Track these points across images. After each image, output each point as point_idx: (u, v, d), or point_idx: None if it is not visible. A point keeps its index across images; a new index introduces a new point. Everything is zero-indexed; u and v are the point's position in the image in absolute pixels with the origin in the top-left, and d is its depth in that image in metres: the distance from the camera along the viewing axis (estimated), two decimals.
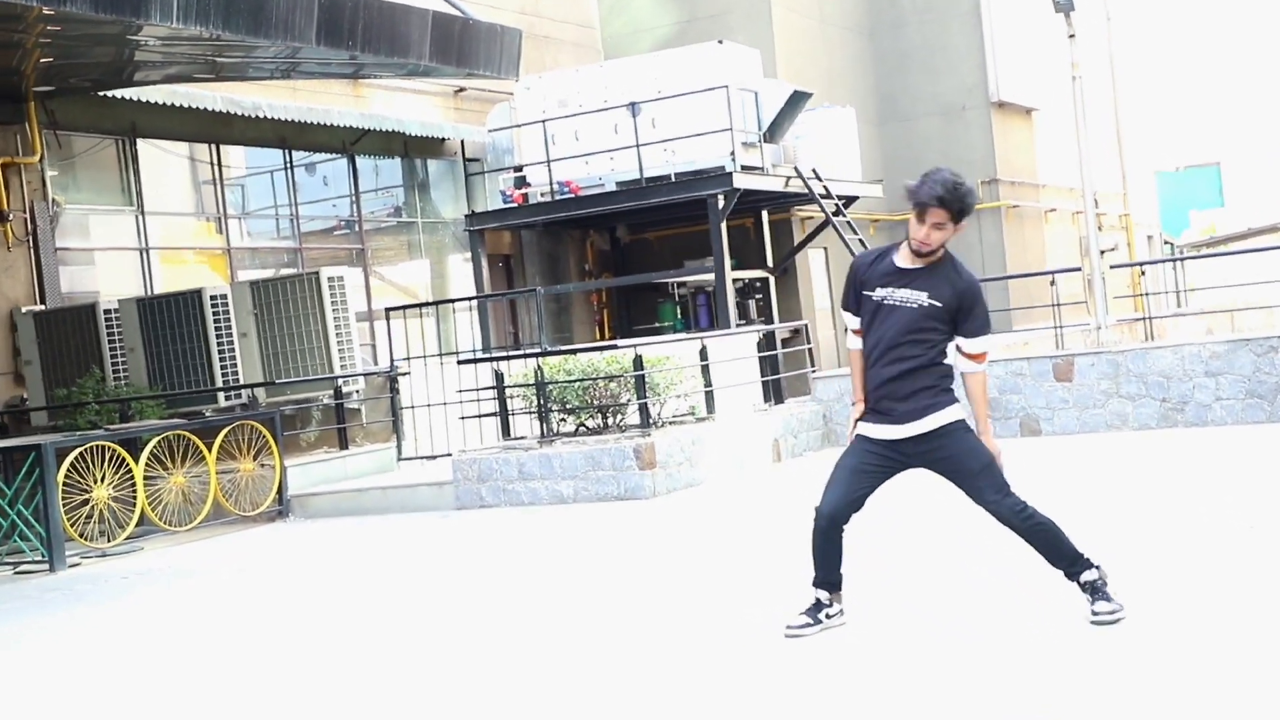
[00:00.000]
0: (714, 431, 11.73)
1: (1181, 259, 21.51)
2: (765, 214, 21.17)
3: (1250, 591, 5.81)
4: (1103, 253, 27.34)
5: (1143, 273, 14.56)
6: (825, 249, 22.68)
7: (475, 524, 10.72)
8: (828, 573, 5.88)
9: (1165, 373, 11.69)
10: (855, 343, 5.84)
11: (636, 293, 22.02)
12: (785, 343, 19.65)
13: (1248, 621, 5.31)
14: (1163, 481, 9.34)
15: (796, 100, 19.12)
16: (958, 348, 5.70)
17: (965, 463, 5.60)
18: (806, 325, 15.32)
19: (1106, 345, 12.36)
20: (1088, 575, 5.57)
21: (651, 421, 11.43)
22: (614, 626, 6.47)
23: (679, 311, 22.03)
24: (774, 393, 13.64)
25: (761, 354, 13.70)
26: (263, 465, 12.00)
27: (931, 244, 5.52)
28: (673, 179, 18.65)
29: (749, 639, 5.88)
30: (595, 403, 11.61)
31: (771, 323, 20.57)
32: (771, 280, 21.05)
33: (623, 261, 22.51)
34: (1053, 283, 13.99)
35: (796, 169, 19.60)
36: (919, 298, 5.58)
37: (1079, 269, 12.85)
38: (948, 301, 5.59)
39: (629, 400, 11.58)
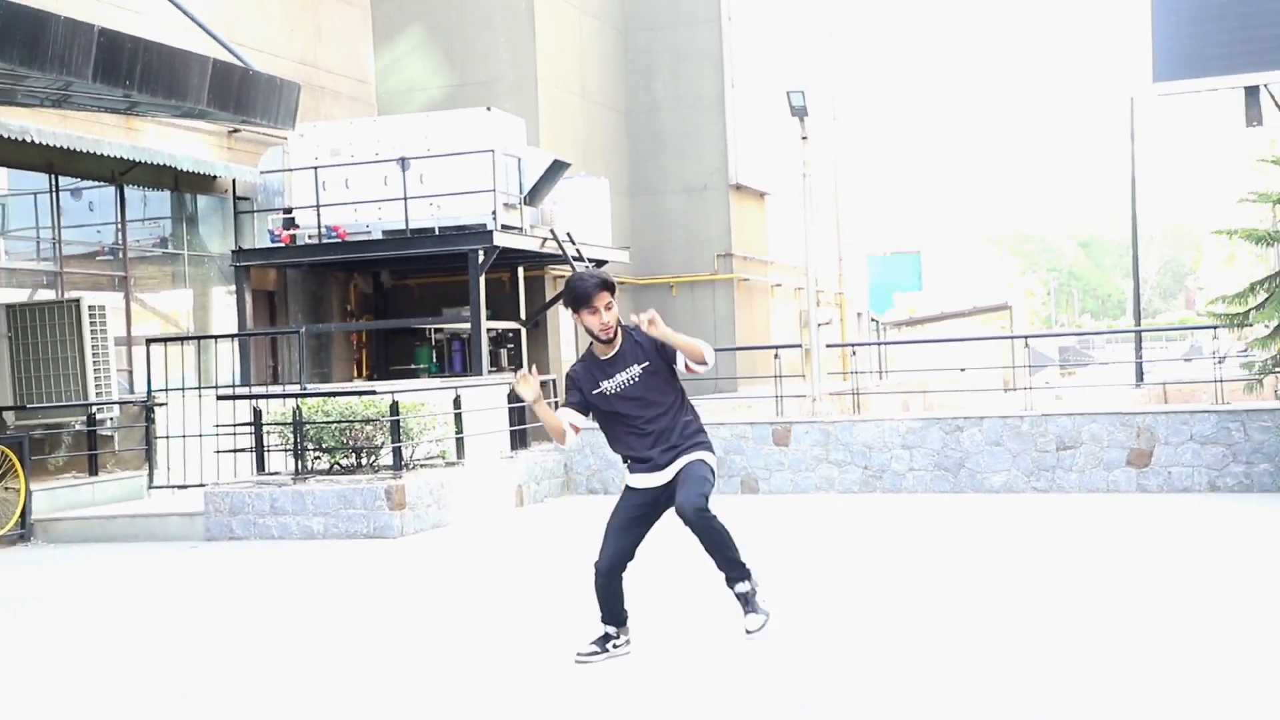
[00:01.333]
0: (462, 476, 11.62)
1: (887, 343, 22.64)
2: (521, 270, 21.23)
3: (921, 644, 6.13)
4: (820, 325, 28.50)
5: (853, 352, 15.27)
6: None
7: (225, 556, 10.28)
8: (613, 614, 6.14)
9: (868, 443, 12.27)
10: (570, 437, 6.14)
11: (395, 335, 21.70)
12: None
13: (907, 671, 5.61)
14: (862, 540, 9.77)
15: (556, 169, 19.31)
16: (685, 367, 5.99)
17: (685, 470, 5.94)
18: (555, 380, 15.37)
19: (820, 415, 12.88)
20: (741, 586, 6.04)
21: (404, 464, 11.23)
22: (381, 659, 6.30)
23: (435, 355, 21.81)
24: (519, 440, 13.63)
25: (511, 404, 13.68)
26: (6, 488, 11.20)
27: (611, 324, 5.87)
28: (437, 232, 18.50)
29: (528, 666, 5.84)
30: (351, 444, 11.34)
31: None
32: (523, 332, 21.10)
33: (384, 305, 22.16)
34: (776, 355, 14.50)
35: (553, 231, 19.75)
36: (633, 373, 5.80)
37: (799, 345, 13.35)
38: (652, 357, 5.92)
39: (384, 443, 11.36)
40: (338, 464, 11.54)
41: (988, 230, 71.76)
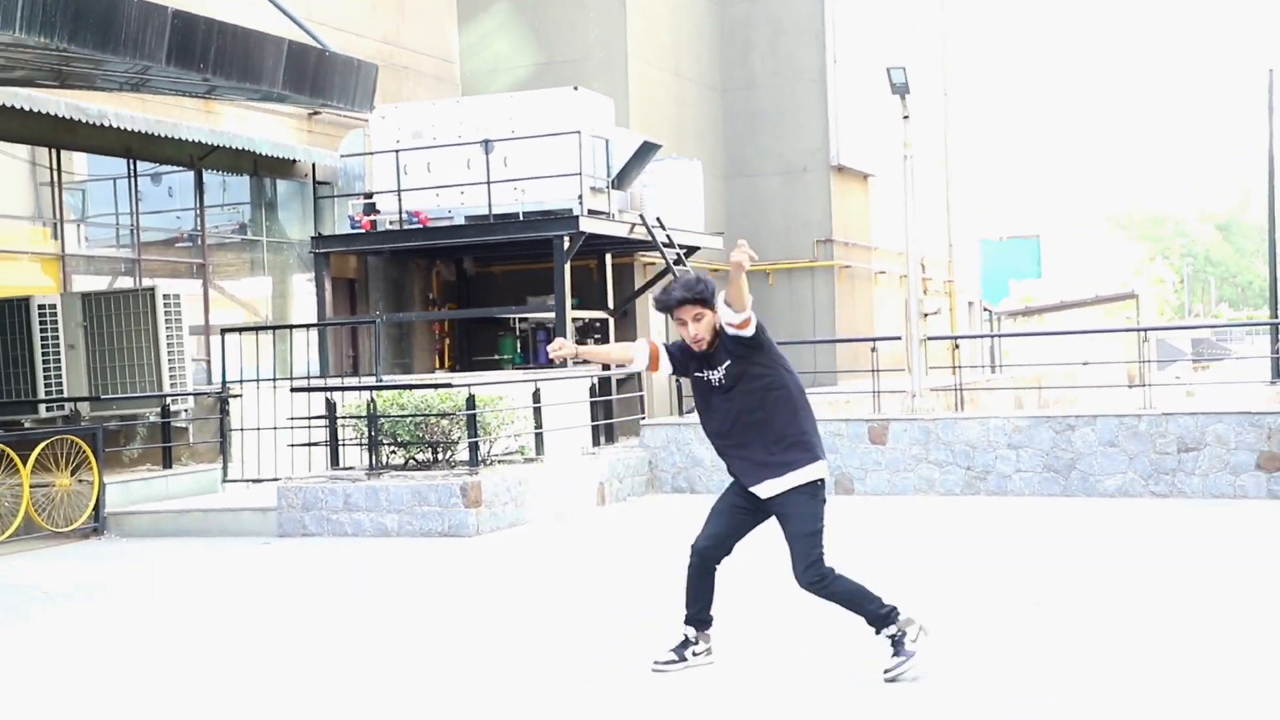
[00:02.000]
0: (541, 473, 11.72)
1: (993, 335, 22.21)
2: (609, 257, 21.30)
3: (1031, 665, 6.04)
4: (927, 315, 28.30)
5: (956, 345, 15.03)
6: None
7: (297, 553, 10.51)
8: (699, 610, 6.09)
9: (971, 442, 12.11)
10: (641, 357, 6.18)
11: (478, 324, 21.95)
12: (620, 385, 19.82)
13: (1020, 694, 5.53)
14: (964, 548, 9.65)
15: (646, 150, 19.33)
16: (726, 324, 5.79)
17: (790, 525, 5.84)
18: (640, 372, 15.42)
19: (920, 412, 12.75)
20: (887, 631, 5.84)
21: (480, 460, 11.37)
22: (458, 665, 6.41)
23: (519, 346, 22.03)
24: (604, 435, 13.71)
25: (594, 398, 13.75)
26: (80, 480, 11.58)
27: (701, 335, 5.80)
28: (521, 218, 18.66)
29: (608, 675, 5.89)
30: (427, 438, 11.51)
31: (608, 364, 20.71)
32: (611, 321, 21.18)
33: (467, 293, 22.41)
34: (873, 348, 14.37)
35: (642, 216, 19.78)
36: (723, 369, 5.83)
37: (897, 337, 13.21)
38: (734, 351, 5.79)
39: (460, 438, 11.50)
40: (413, 459, 11.71)
41: (1113, 212, 70.14)
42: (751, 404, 5.79)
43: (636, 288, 21.94)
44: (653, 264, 22.35)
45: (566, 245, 18.35)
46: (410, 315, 20.89)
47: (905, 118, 13.00)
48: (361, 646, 7.06)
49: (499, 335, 21.93)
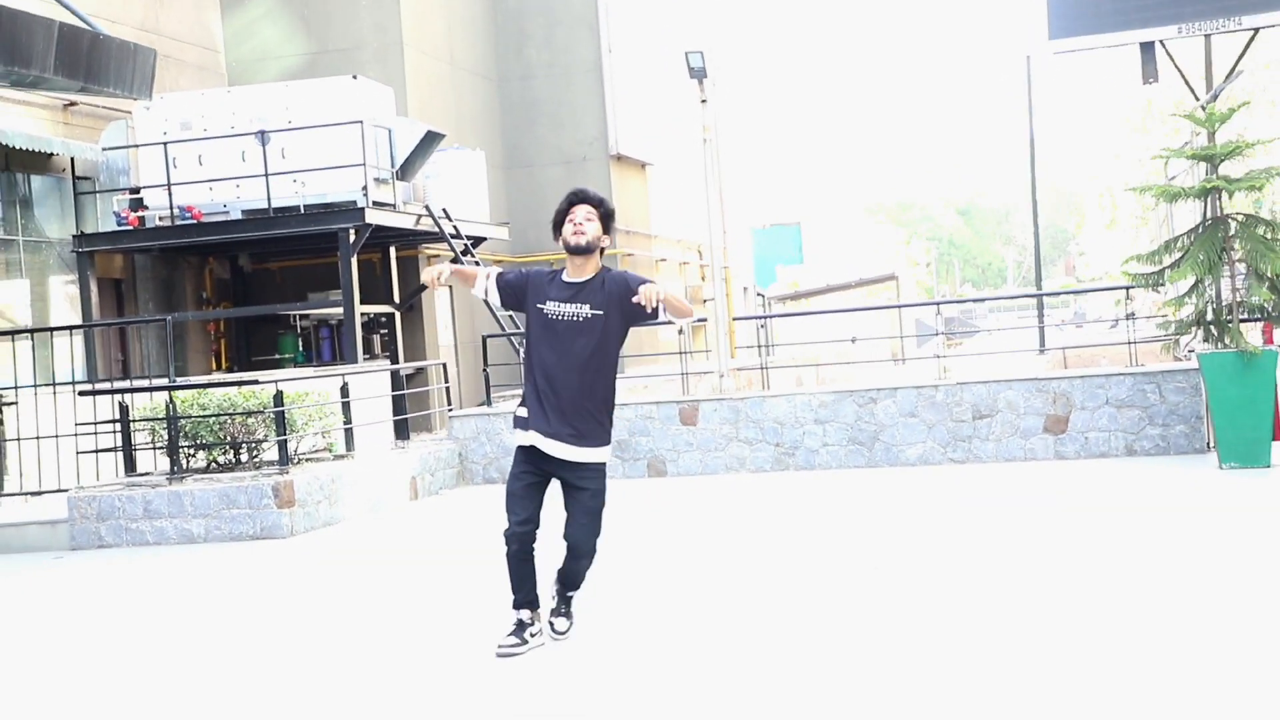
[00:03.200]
0: (353, 469, 11.40)
1: (793, 315, 22.78)
2: (394, 250, 20.89)
3: (882, 625, 6.22)
4: (706, 301, 28.76)
5: (763, 325, 15.33)
6: (450, 288, 22.66)
7: (98, 565, 9.89)
8: (526, 593, 6.12)
9: (779, 419, 12.38)
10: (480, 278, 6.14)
11: (256, 324, 21.19)
12: (410, 380, 19.47)
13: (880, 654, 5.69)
14: (775, 520, 9.86)
15: (430, 140, 19.04)
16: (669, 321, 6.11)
17: (580, 500, 6.01)
18: (445, 365, 15.16)
19: (728, 392, 12.96)
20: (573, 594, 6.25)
21: (290, 459, 10.97)
22: (301, 669, 6.13)
23: (301, 344, 21.38)
24: (403, 430, 13.43)
25: (397, 392, 13.47)
26: None
27: (584, 230, 5.85)
28: (302, 210, 18.11)
29: (459, 664, 5.73)
30: (231, 439, 11.03)
31: (396, 359, 20.34)
32: (397, 316, 20.77)
33: (244, 291, 21.60)
34: (680, 331, 14.52)
35: (427, 207, 19.49)
36: (583, 311, 5.80)
37: (704, 320, 13.39)
38: (611, 307, 5.88)
39: (266, 436, 11.08)
40: (215, 461, 11.22)
41: (867, 200, 73.16)
42: (596, 363, 5.83)
43: (422, 280, 21.57)
44: (438, 256, 22.04)
45: (352, 238, 17.90)
46: (195, 314, 20.03)
47: (704, 102, 13.21)
48: (193, 656, 6.70)
49: (279, 334, 21.23)
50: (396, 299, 20.92)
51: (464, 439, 13.26)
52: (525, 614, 6.08)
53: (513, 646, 5.99)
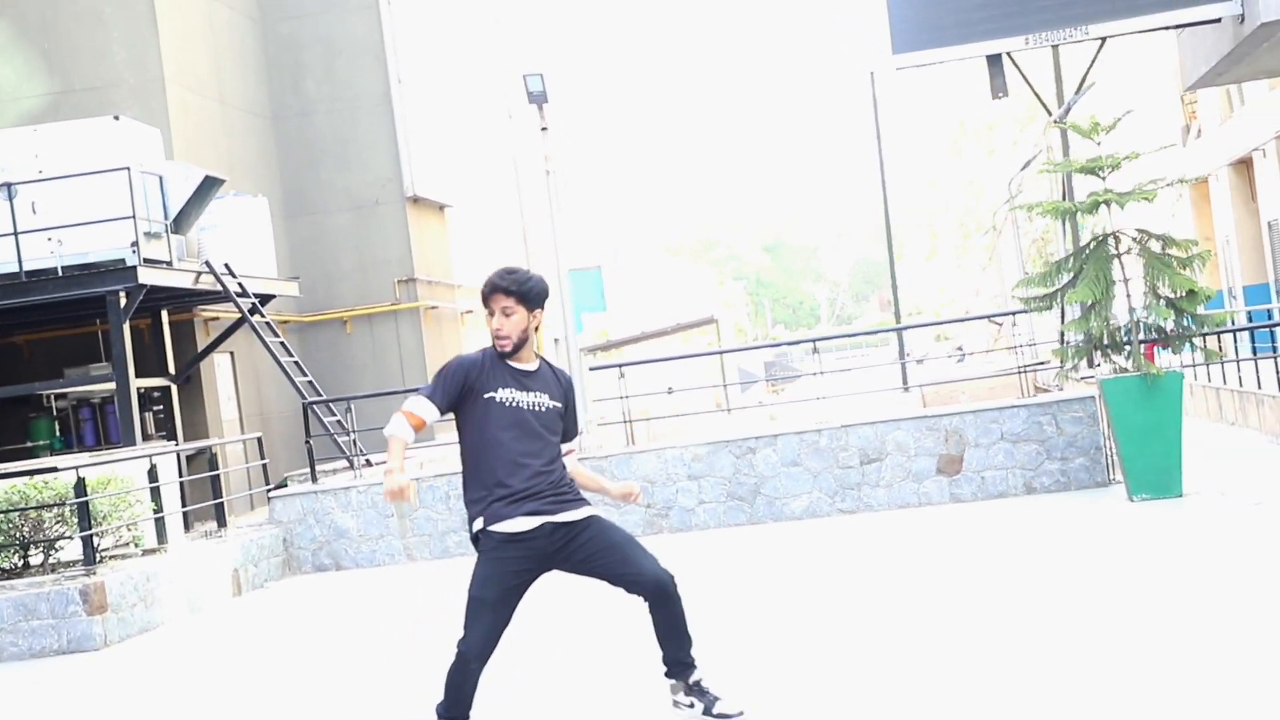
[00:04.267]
0: (169, 565, 10.90)
1: (654, 360, 22.78)
2: (165, 314, 20.18)
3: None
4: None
5: (621, 374, 15.28)
6: (232, 353, 22.02)
7: None
8: (462, 711, 5.79)
9: (650, 477, 12.40)
10: (406, 432, 5.76)
11: (1, 407, 20.15)
12: (190, 461, 18.78)
13: None
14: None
15: (208, 186, 18.54)
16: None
17: (612, 535, 5.79)
18: (260, 438, 14.63)
19: (589, 451, 12.92)
20: (697, 674, 5.86)
21: (96, 557, 10.44)
22: None
23: (57, 428, 20.43)
24: (222, 516, 12.96)
25: (204, 474, 12.99)
26: None
27: (506, 332, 5.75)
28: (60, 273, 17.36)
29: None
30: (21, 539, 10.43)
31: (174, 439, 19.62)
32: (174, 389, 20.04)
33: None
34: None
35: (208, 263, 18.93)
36: (545, 403, 5.74)
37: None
38: (563, 400, 5.92)
39: (66, 533, 10.52)
40: (6, 565, 10.58)
41: (667, 239, 74.35)
42: (553, 452, 5.78)
43: (200, 348, 20.91)
44: (216, 319, 21.41)
45: (123, 302, 17.23)
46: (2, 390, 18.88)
47: (544, 129, 13.22)
48: None
49: (30, 417, 20.24)
50: (171, 370, 20.19)
51: (288, 522, 12.85)
52: None
53: None
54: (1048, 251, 38.80)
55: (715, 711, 5.82)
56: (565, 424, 5.93)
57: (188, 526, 13.24)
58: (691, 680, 5.87)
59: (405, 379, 23.85)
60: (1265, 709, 5.24)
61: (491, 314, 5.78)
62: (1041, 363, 15.65)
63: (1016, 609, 7.64)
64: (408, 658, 8.40)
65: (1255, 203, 24.93)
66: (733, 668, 6.64)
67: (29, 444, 19.84)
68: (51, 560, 10.79)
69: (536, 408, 5.72)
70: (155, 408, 20.22)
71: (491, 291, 5.79)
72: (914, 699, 6.04)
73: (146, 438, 19.76)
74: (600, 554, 5.77)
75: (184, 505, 13.50)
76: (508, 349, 5.74)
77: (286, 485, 14.28)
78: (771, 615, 8.19)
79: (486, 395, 5.69)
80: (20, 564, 10.77)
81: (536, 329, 5.86)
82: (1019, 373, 12.51)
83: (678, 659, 5.87)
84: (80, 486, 10.22)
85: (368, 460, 16.68)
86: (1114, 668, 6.08)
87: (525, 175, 31.41)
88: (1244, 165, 24.91)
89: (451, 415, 5.85)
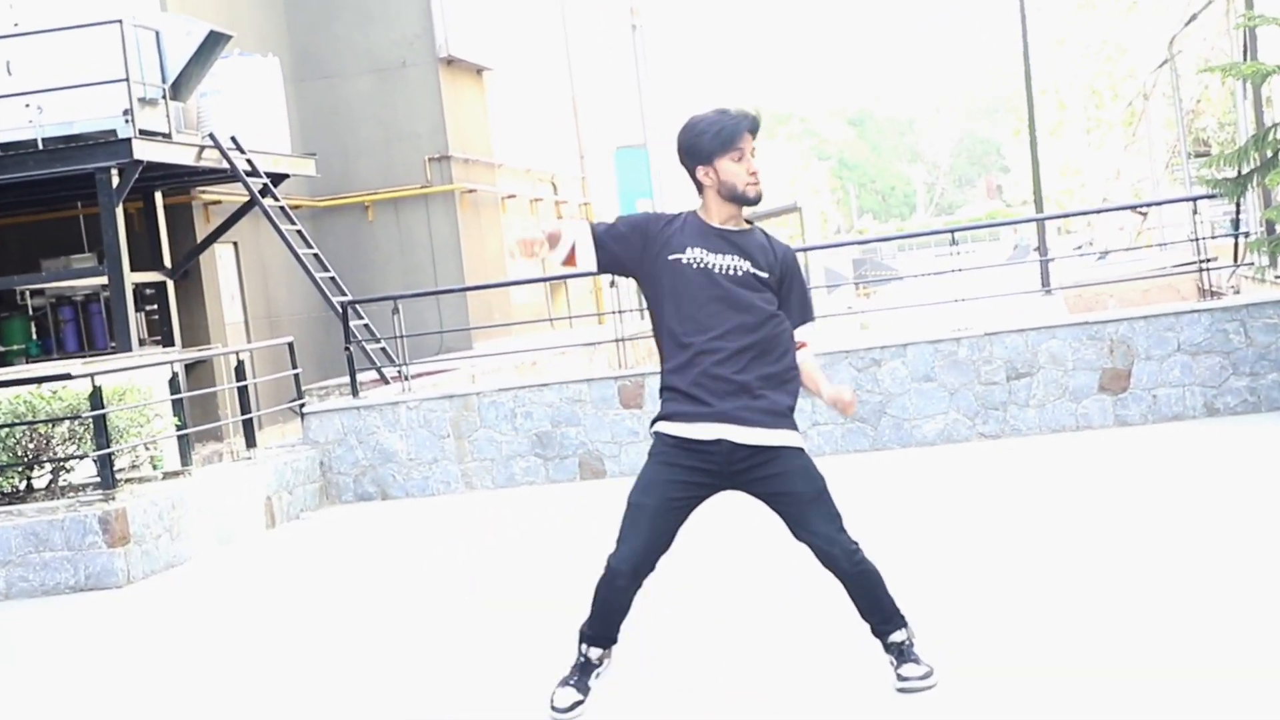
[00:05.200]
0: (195, 491, 11.12)
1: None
2: (159, 196, 20.37)
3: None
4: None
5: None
6: (236, 244, 22.22)
7: None
8: (608, 629, 5.98)
9: None
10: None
11: None
12: (190, 371, 19.03)
13: None
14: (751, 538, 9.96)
15: (212, 43, 18.63)
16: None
17: (797, 482, 5.81)
18: (292, 343, 14.79)
19: None
20: (897, 636, 5.95)
21: (114, 480, 10.69)
22: None
23: (34, 330, 20.73)
24: (252, 435, 13.21)
25: (241, 382, 13.21)
26: None
27: (757, 180, 5.82)
28: (40, 145, 17.55)
29: None
30: (31, 457, 10.68)
31: (170, 343, 19.88)
32: (170, 285, 20.27)
33: None
34: (613, 284, 14.42)
35: (212, 136, 19.08)
36: (742, 265, 5.78)
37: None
38: (776, 271, 5.86)
39: (75, 451, 10.76)
40: (8, 489, 10.85)
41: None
42: (758, 318, 5.76)
43: (199, 238, 21.10)
44: (218, 202, 21.58)
45: (115, 181, 17.42)
46: None
47: None
48: None
49: (1, 318, 20.56)
50: (168, 261, 20.40)
51: (325, 443, 13.05)
52: (595, 651, 6.03)
53: (571, 707, 5.98)
54: (1197, 127, 38.42)
55: (899, 674, 5.94)
56: (786, 304, 5.85)
57: (253, 441, 13.42)
58: (890, 641, 5.98)
59: (437, 277, 24.02)
60: None
61: (742, 155, 5.72)
62: (1209, 259, 15.57)
63: (1199, 554, 7.70)
64: (461, 602, 8.60)
65: None
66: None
67: (1, 349, 20.17)
68: (62, 483, 11.03)
69: (726, 270, 5.75)
70: (148, 307, 20.48)
71: (748, 129, 5.73)
72: (1058, 657, 6.15)
73: (139, 342, 20.05)
74: (779, 499, 5.84)
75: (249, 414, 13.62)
76: (761, 194, 5.83)
77: (304, 403, 14.45)
78: (900, 559, 8.27)
79: (671, 256, 5.77)
80: (25, 487, 11.01)
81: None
82: (1187, 271, 12.41)
83: (874, 628, 6.00)
84: (97, 397, 10.42)
85: (399, 373, 16.82)
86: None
87: (570, 46, 31.36)
88: None
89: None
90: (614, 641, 6.04)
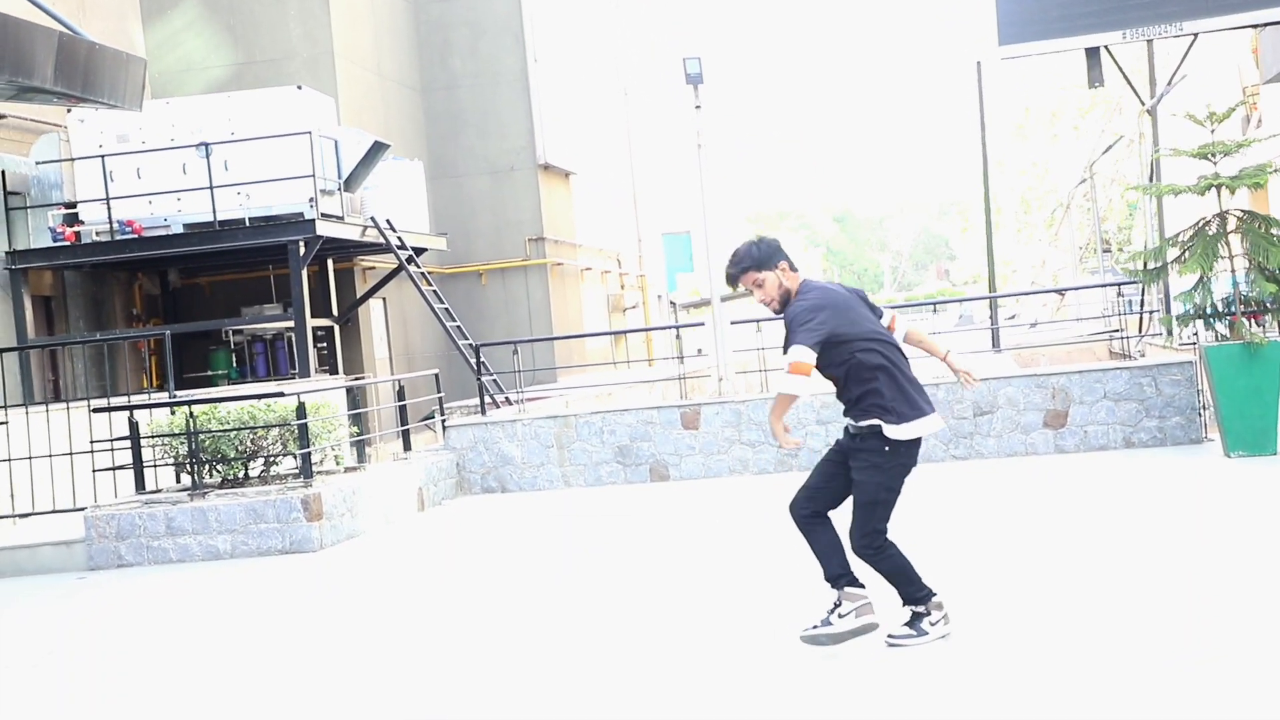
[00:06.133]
0: (369, 481, 11.35)
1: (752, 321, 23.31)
2: (331, 263, 20.70)
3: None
4: (624, 311, 28.96)
5: (758, 328, 15.53)
6: (384, 299, 22.52)
7: (127, 584, 9.68)
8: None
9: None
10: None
11: (187, 340, 20.76)
12: (348, 393, 19.32)
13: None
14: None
15: (377, 150, 18.96)
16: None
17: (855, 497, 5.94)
18: (437, 374, 15.03)
19: (729, 395, 13.20)
20: (916, 606, 5.99)
21: (312, 472, 10.90)
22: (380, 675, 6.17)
23: (234, 360, 21.03)
24: (408, 441, 13.42)
25: (399, 403, 13.43)
26: None
27: (768, 302, 5.88)
28: (247, 223, 17.88)
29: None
30: (250, 453, 10.90)
31: (335, 372, 20.16)
32: (336, 330, 20.59)
33: (173, 307, 21.16)
34: (678, 335, 14.70)
35: (373, 219, 19.39)
36: None
37: (692, 324, 13.59)
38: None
39: (286, 451, 10.99)
40: (231, 476, 11.07)
41: (747, 209, 74.38)
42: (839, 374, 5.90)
43: (359, 294, 21.43)
44: (373, 269, 21.91)
45: (302, 250, 17.73)
46: (145, 332, 19.59)
47: (698, 108, 13.44)
48: (266, 672, 6.70)
49: (210, 350, 20.86)
50: (335, 312, 20.72)
51: (461, 448, 13.26)
52: (922, 609, 5.95)
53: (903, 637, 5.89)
54: (1104, 230, 38.40)
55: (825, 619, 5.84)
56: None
57: (408, 445, 13.62)
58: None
59: (533, 328, 24.26)
60: None
61: (749, 292, 5.88)
62: (1115, 331, 15.65)
63: (1119, 553, 7.83)
64: (567, 565, 8.90)
65: None
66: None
67: (209, 373, 20.47)
68: (267, 474, 11.24)
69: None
70: (320, 345, 20.77)
71: (733, 281, 5.88)
72: (1006, 639, 6.27)
73: (314, 371, 20.34)
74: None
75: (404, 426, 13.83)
76: (777, 309, 5.84)
77: (432, 419, 14.69)
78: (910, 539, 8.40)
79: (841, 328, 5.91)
80: (243, 475, 11.23)
81: (781, 281, 5.82)
82: (1101, 339, 12.53)
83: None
84: (301, 410, 10.66)
85: (508, 399, 17.05)
86: (1213, 610, 6.28)
87: (632, 147, 31.60)
88: None
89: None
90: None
